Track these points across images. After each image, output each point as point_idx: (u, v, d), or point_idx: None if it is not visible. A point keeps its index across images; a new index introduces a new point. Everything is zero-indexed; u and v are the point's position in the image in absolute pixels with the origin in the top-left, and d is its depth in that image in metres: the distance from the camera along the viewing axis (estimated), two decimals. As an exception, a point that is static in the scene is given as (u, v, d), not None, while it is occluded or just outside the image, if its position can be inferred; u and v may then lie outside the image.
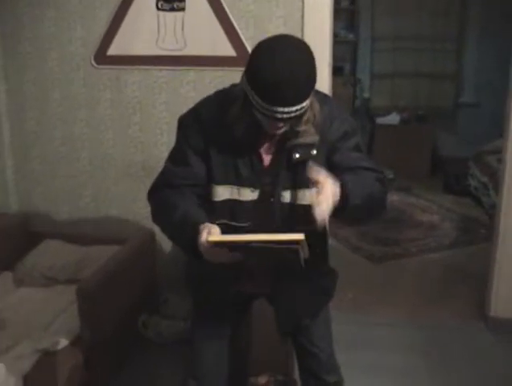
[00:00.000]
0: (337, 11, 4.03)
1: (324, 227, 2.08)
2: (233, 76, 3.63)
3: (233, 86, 2.26)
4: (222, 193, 2.22)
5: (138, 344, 3.78)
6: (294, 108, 1.94)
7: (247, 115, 2.07)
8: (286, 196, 2.22)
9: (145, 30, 3.77)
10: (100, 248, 3.84)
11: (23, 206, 4.24)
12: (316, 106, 2.11)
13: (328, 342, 2.62)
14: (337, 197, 1.98)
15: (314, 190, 1.96)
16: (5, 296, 3.59)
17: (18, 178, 4.20)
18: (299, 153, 2.15)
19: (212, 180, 2.22)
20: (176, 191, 2.25)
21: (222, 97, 2.25)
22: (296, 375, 2.98)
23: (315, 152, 2.16)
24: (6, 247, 3.88)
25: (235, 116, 2.11)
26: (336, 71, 6.45)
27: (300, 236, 1.93)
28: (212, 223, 2.09)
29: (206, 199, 2.25)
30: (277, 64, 1.88)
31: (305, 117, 2.07)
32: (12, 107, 4.10)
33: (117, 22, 3.80)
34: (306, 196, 2.18)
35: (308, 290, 2.42)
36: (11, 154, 4.17)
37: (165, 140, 3.88)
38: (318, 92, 2.15)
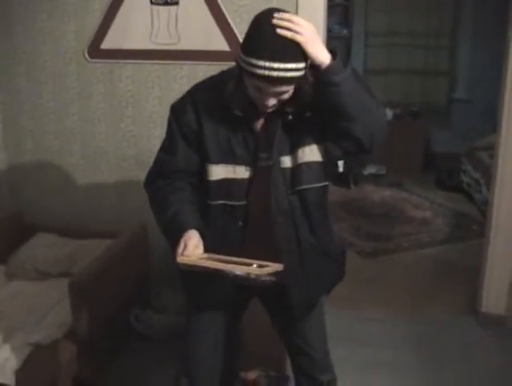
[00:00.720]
0: (331, 7, 4.03)
1: None
2: (227, 71, 3.64)
3: (223, 72, 2.28)
4: (217, 172, 2.22)
5: (131, 338, 3.78)
6: (282, 66, 1.92)
7: (242, 91, 2.10)
8: (286, 161, 2.22)
9: (139, 25, 3.77)
10: (92, 241, 3.84)
11: (16, 199, 4.24)
12: (309, 90, 2.06)
13: (322, 341, 2.61)
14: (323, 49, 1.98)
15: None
16: (-3, 290, 3.60)
17: (10, 171, 4.20)
18: (292, 114, 2.16)
19: (207, 160, 2.23)
20: (169, 183, 2.29)
21: (214, 80, 2.28)
22: (289, 370, 2.97)
23: (309, 114, 2.17)
24: (-1, 241, 3.88)
25: (231, 91, 2.12)
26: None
27: (280, 267, 2.02)
28: (209, 205, 2.21)
29: (202, 179, 2.26)
30: (268, 27, 1.93)
31: (293, 92, 2.06)
32: (4, 100, 4.09)
33: (110, 16, 3.79)
34: (306, 153, 2.20)
35: (320, 262, 2.38)
36: (4, 148, 4.17)
37: (158, 134, 3.87)
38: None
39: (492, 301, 4.08)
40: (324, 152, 2.24)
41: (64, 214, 4.18)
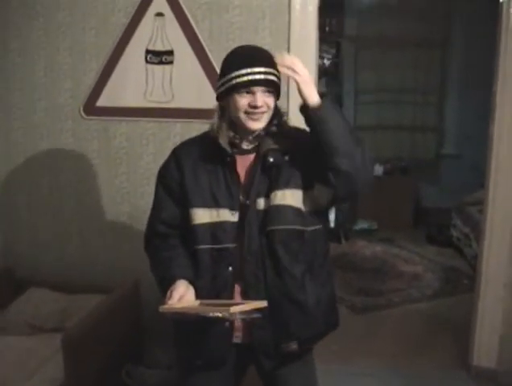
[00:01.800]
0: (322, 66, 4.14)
1: None
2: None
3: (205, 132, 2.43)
4: (202, 216, 2.29)
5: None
6: (263, 69, 2.19)
7: (226, 125, 2.30)
8: (261, 203, 2.30)
9: (133, 83, 3.85)
10: (85, 296, 3.84)
11: (9, 253, 4.25)
12: (285, 117, 2.36)
13: None
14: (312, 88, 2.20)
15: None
16: (-11, 344, 3.58)
17: (4, 225, 4.23)
18: (272, 157, 2.28)
19: (189, 204, 2.31)
20: (163, 241, 2.40)
21: (196, 136, 2.48)
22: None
23: (287, 158, 2.30)
24: (-9, 295, 3.87)
25: (216, 127, 2.30)
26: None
27: (263, 304, 2.10)
28: (196, 250, 2.28)
29: (187, 226, 2.33)
30: (238, 50, 2.30)
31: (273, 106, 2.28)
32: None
33: (106, 74, 3.88)
34: (278, 197, 2.28)
35: (287, 309, 2.33)
36: (-4, 204, 4.20)
37: (151, 191, 3.84)
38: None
39: (483, 354, 4.08)
40: (306, 199, 2.30)
41: (56, 269, 4.19)
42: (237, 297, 2.31)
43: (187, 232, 2.33)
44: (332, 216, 7.33)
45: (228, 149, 2.27)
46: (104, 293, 3.70)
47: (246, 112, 2.22)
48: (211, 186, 2.30)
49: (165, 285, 2.23)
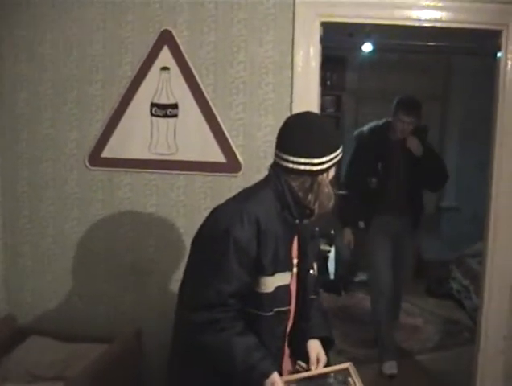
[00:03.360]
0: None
1: None
2: (223, 182, 3.81)
3: (252, 189, 2.48)
4: (271, 283, 2.32)
5: None
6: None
7: (299, 201, 2.36)
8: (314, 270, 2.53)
9: (138, 135, 3.90)
10: (87, 345, 3.84)
11: (12, 301, 4.24)
12: None
13: None
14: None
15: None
16: (-12, 393, 3.58)
17: (7, 273, 4.22)
18: (316, 228, 2.53)
19: (261, 273, 2.31)
20: (225, 314, 2.28)
21: (253, 197, 2.39)
22: None
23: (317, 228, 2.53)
24: (-9, 343, 3.87)
25: (291, 202, 2.34)
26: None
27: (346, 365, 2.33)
28: (258, 315, 2.34)
29: (252, 293, 2.33)
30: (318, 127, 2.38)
31: None
32: (5, 205, 4.16)
33: (112, 126, 3.93)
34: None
35: None
36: (1, 250, 4.21)
37: (153, 243, 3.97)
38: None
39: (483, 408, 4.07)
40: None
41: (58, 317, 4.18)
42: (286, 359, 2.51)
43: (250, 297, 2.34)
44: (332, 268, 7.35)
45: (298, 222, 2.41)
46: (105, 343, 3.71)
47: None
48: (277, 250, 2.32)
49: (255, 378, 2.24)
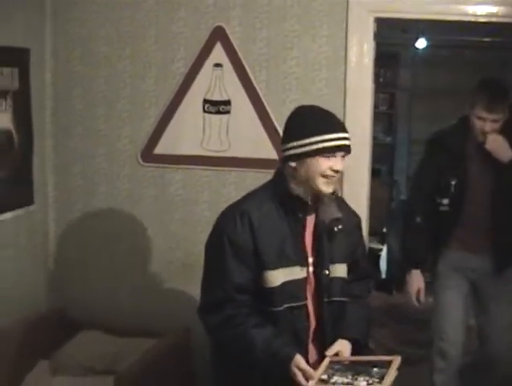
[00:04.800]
0: (376, 115, 4.18)
1: None
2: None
3: (259, 189, 2.52)
4: (276, 277, 2.31)
5: None
6: (347, 136, 2.31)
7: (305, 186, 2.33)
8: (334, 270, 2.45)
9: (191, 131, 3.91)
10: (137, 340, 3.86)
11: (61, 295, 4.29)
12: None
13: None
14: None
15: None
16: (41, 385, 3.63)
17: (58, 268, 4.29)
18: (339, 225, 2.42)
19: (263, 267, 2.32)
20: (238, 311, 2.32)
21: (253, 193, 2.51)
22: None
23: (340, 226, 2.43)
24: (44, 336, 3.90)
25: (291, 186, 2.35)
26: (374, 173, 6.53)
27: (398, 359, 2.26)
28: (273, 311, 2.32)
29: (260, 289, 2.34)
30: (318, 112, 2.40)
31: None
32: (58, 199, 4.22)
33: (164, 123, 3.95)
34: (338, 268, 2.46)
35: None
36: (54, 245, 4.27)
37: (204, 239, 3.93)
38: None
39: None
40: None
41: (109, 311, 4.19)
42: (313, 354, 2.44)
43: (260, 293, 2.35)
44: (383, 267, 7.27)
45: (309, 202, 2.37)
46: (154, 338, 3.74)
47: (324, 176, 2.28)
48: (280, 243, 2.33)
49: (277, 366, 2.24)
